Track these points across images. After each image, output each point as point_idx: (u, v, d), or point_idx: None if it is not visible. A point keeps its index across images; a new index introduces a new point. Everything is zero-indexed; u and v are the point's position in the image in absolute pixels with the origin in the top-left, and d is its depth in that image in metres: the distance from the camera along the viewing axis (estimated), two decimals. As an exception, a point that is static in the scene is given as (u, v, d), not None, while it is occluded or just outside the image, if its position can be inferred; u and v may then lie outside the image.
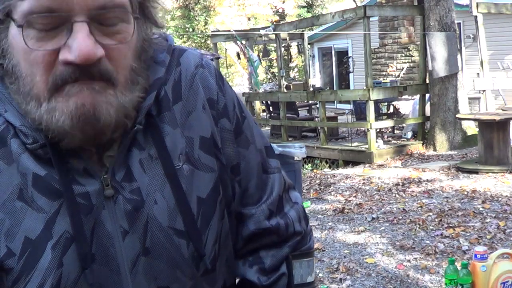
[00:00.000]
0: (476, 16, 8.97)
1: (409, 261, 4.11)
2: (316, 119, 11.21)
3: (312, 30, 16.76)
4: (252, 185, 0.86)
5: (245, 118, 0.87)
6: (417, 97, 9.90)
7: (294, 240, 0.89)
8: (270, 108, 12.26)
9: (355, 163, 8.94)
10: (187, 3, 22.60)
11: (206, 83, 0.82)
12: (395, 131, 10.57)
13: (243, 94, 12.65)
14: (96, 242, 0.73)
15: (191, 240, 0.76)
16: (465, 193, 5.89)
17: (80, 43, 0.65)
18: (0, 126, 0.72)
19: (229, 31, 13.38)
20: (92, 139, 0.71)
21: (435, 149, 8.94)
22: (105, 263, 0.73)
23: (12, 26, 0.68)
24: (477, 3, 8.97)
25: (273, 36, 12.24)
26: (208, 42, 19.41)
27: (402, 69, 12.93)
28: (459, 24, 10.90)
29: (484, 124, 6.95)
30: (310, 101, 11.84)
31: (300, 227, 0.90)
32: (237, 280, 0.91)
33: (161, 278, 0.76)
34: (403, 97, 9.98)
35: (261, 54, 15.65)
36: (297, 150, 6.09)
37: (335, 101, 13.67)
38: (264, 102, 13.09)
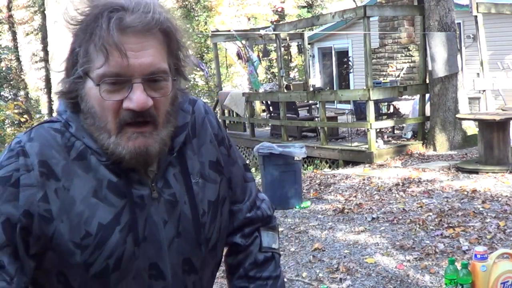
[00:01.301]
0: (476, 16, 8.97)
1: (409, 261, 4.11)
2: (316, 119, 11.21)
3: (312, 30, 16.75)
4: (238, 190, 1.27)
5: (231, 146, 1.26)
6: (417, 97, 9.90)
7: (266, 220, 1.31)
8: (270, 108, 12.26)
9: (355, 163, 8.94)
10: (187, 3, 22.59)
11: (212, 123, 1.21)
12: (395, 131, 10.57)
13: (243, 94, 12.64)
14: (147, 228, 1.07)
15: (197, 229, 1.12)
16: (465, 193, 5.89)
17: (138, 97, 0.99)
18: (80, 147, 1.05)
19: (229, 31, 13.37)
20: (141, 165, 1.06)
21: (435, 149, 8.94)
22: (153, 242, 1.07)
23: (88, 80, 1.01)
24: (477, 3, 8.96)
25: (273, 36, 12.24)
26: (208, 42, 19.39)
27: (402, 69, 12.92)
28: (459, 24, 10.90)
29: (484, 124, 6.95)
30: (310, 101, 11.84)
31: (269, 212, 1.33)
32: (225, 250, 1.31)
33: (186, 253, 1.12)
34: (403, 97, 9.97)
35: (261, 54, 15.64)
36: (297, 150, 6.09)
37: (335, 101, 13.67)
38: (264, 102, 13.09)
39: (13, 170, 1.00)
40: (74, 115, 1.06)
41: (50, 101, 19.45)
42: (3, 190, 0.99)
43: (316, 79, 16.88)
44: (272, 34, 11.69)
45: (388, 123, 9.84)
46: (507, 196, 5.58)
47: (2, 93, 17.63)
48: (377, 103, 9.76)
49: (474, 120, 7.74)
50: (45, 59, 18.81)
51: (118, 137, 1.01)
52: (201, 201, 1.14)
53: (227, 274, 1.32)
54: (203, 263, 1.16)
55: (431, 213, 5.23)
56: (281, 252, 4.00)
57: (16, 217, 0.98)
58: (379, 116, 10.03)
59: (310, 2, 24.22)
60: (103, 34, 0.97)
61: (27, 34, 22.10)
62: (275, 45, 14.04)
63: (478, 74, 9.67)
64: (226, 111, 13.34)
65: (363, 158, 8.90)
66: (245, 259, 1.28)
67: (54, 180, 1.01)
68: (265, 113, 13.49)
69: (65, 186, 1.02)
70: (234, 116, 13.08)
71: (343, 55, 15.61)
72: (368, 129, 8.77)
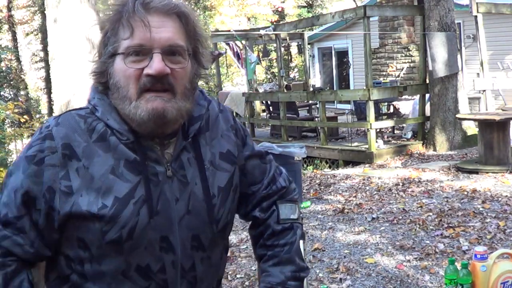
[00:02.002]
0: (476, 16, 8.97)
1: (409, 261, 4.11)
2: (316, 119, 11.20)
3: (312, 30, 16.74)
4: (256, 172, 1.39)
5: (247, 136, 1.40)
6: (417, 97, 9.90)
7: (281, 192, 1.42)
8: (270, 108, 12.26)
9: (355, 163, 8.94)
10: (187, 3, 22.57)
11: (227, 118, 1.35)
12: (395, 131, 10.57)
13: (243, 94, 12.64)
14: (160, 203, 1.18)
15: (208, 209, 1.23)
16: (465, 193, 5.89)
17: (156, 63, 1.13)
18: (101, 129, 1.18)
19: (229, 31, 13.37)
20: (160, 128, 1.17)
21: (435, 149, 8.94)
22: (165, 217, 1.18)
23: (117, 58, 1.16)
24: (477, 3, 8.97)
25: (273, 36, 12.24)
26: (208, 42, 19.35)
27: (402, 69, 12.92)
28: (459, 24, 10.90)
29: (484, 124, 6.95)
30: (310, 101, 11.84)
31: (285, 183, 1.43)
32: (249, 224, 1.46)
33: (195, 229, 1.22)
34: (403, 97, 9.97)
35: (261, 54, 15.64)
36: (297, 150, 6.09)
37: (335, 101, 13.66)
38: (264, 102, 13.09)
39: (38, 150, 1.15)
40: (101, 100, 1.20)
41: (50, 101, 19.41)
42: (27, 166, 1.15)
43: (316, 79, 16.88)
44: (272, 34, 11.69)
45: (388, 123, 9.83)
46: (507, 196, 5.58)
47: (2, 93, 17.62)
48: (377, 103, 9.76)
49: (474, 120, 7.74)
50: (45, 59, 18.80)
51: (138, 101, 1.14)
52: (211, 185, 1.24)
53: (252, 244, 1.45)
54: (212, 242, 1.25)
55: (431, 213, 5.23)
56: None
57: (35, 192, 1.14)
58: (379, 116, 10.02)
59: (310, 2, 24.21)
60: (130, 12, 1.13)
61: (27, 34, 22.10)
62: (275, 45, 14.03)
63: (478, 74, 9.67)
64: (226, 111, 13.31)
65: (363, 158, 8.90)
66: (264, 230, 1.39)
67: (76, 160, 1.15)
68: (265, 113, 13.48)
69: (85, 165, 1.15)
70: (234, 116, 13.05)
71: (343, 55, 15.61)
72: (368, 129, 8.77)
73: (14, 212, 1.15)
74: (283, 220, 1.39)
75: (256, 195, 1.39)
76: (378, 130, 9.27)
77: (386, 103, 10.66)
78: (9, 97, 18.63)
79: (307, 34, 13.67)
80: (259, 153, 1.41)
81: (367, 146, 8.95)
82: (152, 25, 1.13)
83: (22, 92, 20.14)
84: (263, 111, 13.95)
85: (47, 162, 1.14)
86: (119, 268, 1.17)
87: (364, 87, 9.49)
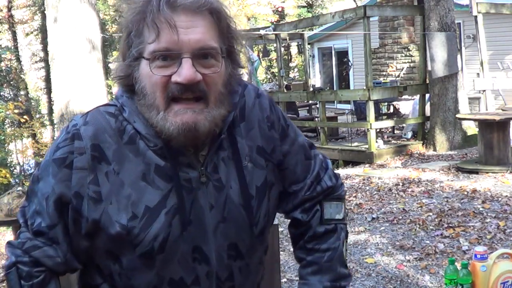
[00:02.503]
0: (476, 16, 8.97)
1: (409, 261, 4.11)
2: (316, 119, 11.20)
3: (312, 30, 16.74)
4: (298, 169, 1.24)
5: (289, 125, 1.25)
6: (417, 97, 9.89)
7: (326, 192, 1.27)
8: (270, 108, 12.24)
9: (355, 163, 8.93)
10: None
11: (264, 106, 1.20)
12: (395, 131, 10.57)
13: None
14: (193, 212, 1.09)
15: (247, 213, 1.12)
16: (465, 193, 5.89)
17: (186, 70, 1.01)
18: (131, 131, 1.08)
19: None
20: (191, 142, 1.07)
21: (435, 149, 8.94)
22: (198, 226, 1.09)
23: (142, 61, 1.05)
24: (477, 3, 8.96)
25: (273, 36, 12.23)
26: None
27: (402, 69, 12.92)
28: (459, 24, 10.90)
29: (484, 124, 6.94)
30: (310, 101, 11.84)
31: (331, 182, 1.28)
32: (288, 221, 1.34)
33: (231, 237, 1.13)
34: (403, 97, 9.97)
35: (261, 54, 15.63)
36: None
37: (335, 101, 13.66)
38: (264, 102, 13.06)
39: (68, 152, 1.06)
40: (129, 100, 1.10)
41: (50, 101, 19.41)
42: (58, 170, 1.06)
43: (316, 79, 16.87)
44: (272, 34, 11.68)
45: (388, 123, 9.83)
46: (507, 196, 5.58)
47: (2, 93, 17.62)
48: (377, 103, 9.76)
49: (474, 120, 7.73)
50: (45, 59, 18.80)
51: (166, 112, 1.04)
52: (249, 185, 1.14)
53: (292, 243, 1.34)
54: (250, 248, 1.17)
55: (431, 213, 5.23)
56: (281, 252, 4.00)
57: (68, 197, 1.05)
58: (379, 116, 10.02)
59: (310, 2, 24.20)
60: (155, 12, 1.02)
61: (27, 34, 22.10)
62: (275, 45, 14.02)
63: (478, 74, 9.66)
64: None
65: (363, 158, 8.90)
66: (305, 232, 1.28)
67: (105, 164, 1.06)
68: (265, 113, 13.45)
69: (115, 170, 1.06)
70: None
71: (343, 55, 15.60)
72: (368, 129, 8.77)
73: (47, 220, 1.07)
74: (326, 220, 1.26)
75: (298, 195, 1.26)
76: (378, 130, 9.27)
77: (386, 103, 10.66)
78: (9, 97, 18.62)
79: (307, 34, 13.66)
80: (302, 147, 1.26)
81: (367, 146, 8.95)
82: (179, 26, 1.01)
83: (22, 92, 20.14)
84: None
85: (75, 165, 1.05)
86: (151, 282, 1.10)
87: (364, 87, 9.49)
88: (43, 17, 17.66)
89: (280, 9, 23.68)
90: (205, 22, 1.04)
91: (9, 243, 1.11)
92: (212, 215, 1.10)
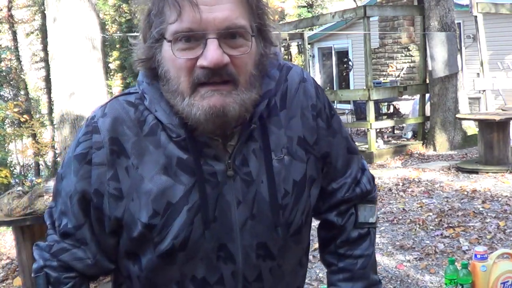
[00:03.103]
0: (476, 16, 8.97)
1: (409, 261, 4.11)
2: (316, 119, 11.19)
3: (312, 30, 16.73)
4: (339, 164, 1.15)
5: (333, 115, 1.14)
6: (417, 97, 9.90)
7: (364, 196, 1.19)
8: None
9: (355, 163, 8.93)
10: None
11: (309, 93, 1.09)
12: (395, 131, 10.57)
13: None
14: (218, 208, 1.00)
15: (272, 212, 1.02)
16: (465, 193, 5.89)
17: (212, 53, 0.91)
18: (152, 122, 1.00)
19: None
20: (219, 129, 0.97)
21: (435, 149, 8.94)
22: (223, 223, 1.01)
23: (164, 43, 0.95)
24: (477, 3, 8.96)
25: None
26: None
27: (402, 69, 12.92)
28: (459, 24, 10.90)
29: (484, 124, 6.94)
30: (310, 101, 11.82)
31: (370, 186, 1.21)
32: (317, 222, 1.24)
33: (261, 236, 1.03)
34: (403, 97, 9.97)
35: (261, 54, 15.60)
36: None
37: (335, 101, 13.65)
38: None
39: (88, 147, 1.00)
40: (150, 86, 1.02)
41: (50, 101, 19.43)
42: (79, 167, 1.00)
43: (316, 79, 16.83)
44: (275, 35, 11.66)
45: (388, 123, 9.83)
46: (507, 196, 5.58)
47: (2, 93, 17.63)
48: (377, 103, 9.76)
49: (474, 120, 7.74)
50: (45, 59, 18.81)
51: (191, 98, 0.95)
52: (284, 180, 1.04)
53: (319, 246, 1.25)
54: (283, 248, 1.07)
55: (431, 213, 5.23)
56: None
57: (90, 195, 1.00)
58: (379, 116, 10.03)
59: (310, 2, 24.21)
60: None
61: (28, 35, 22.10)
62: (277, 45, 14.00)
63: (478, 74, 9.67)
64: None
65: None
66: (337, 236, 1.19)
67: (125, 158, 0.99)
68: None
69: (134, 164, 0.99)
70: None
71: (343, 55, 15.60)
72: (368, 129, 8.77)
73: (73, 221, 1.02)
74: (360, 224, 1.19)
75: (336, 195, 1.17)
76: (378, 130, 9.27)
77: (386, 103, 10.66)
78: (9, 97, 18.63)
79: (307, 34, 13.65)
80: (345, 139, 1.16)
81: (367, 146, 8.95)
82: (203, 3, 0.91)
83: (22, 92, 20.15)
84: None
85: (94, 161, 0.99)
86: (173, 278, 1.04)
87: (364, 87, 9.49)
88: (43, 17, 17.67)
89: (280, 9, 23.69)
90: None
91: (36, 245, 1.07)
92: (239, 211, 1.01)
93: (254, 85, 0.98)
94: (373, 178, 1.24)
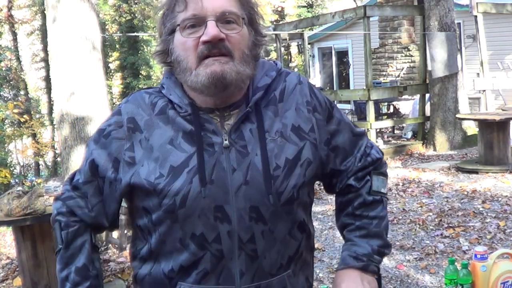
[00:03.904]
0: (476, 16, 8.97)
1: (409, 261, 4.11)
2: (316, 119, 11.18)
3: (312, 30, 16.74)
4: (347, 145, 1.35)
5: (334, 107, 1.36)
6: (417, 97, 9.90)
7: (376, 164, 1.38)
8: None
9: (355, 163, 8.93)
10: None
11: (303, 92, 1.31)
12: (395, 131, 10.57)
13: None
14: (215, 173, 1.18)
15: (266, 180, 1.19)
16: (465, 193, 5.89)
17: (210, 30, 1.15)
18: (162, 104, 1.25)
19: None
20: (221, 94, 1.20)
21: (435, 149, 8.94)
22: (220, 186, 1.18)
23: (176, 33, 1.21)
24: (477, 3, 8.97)
25: (273, 36, 12.23)
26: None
27: (402, 69, 12.92)
28: (459, 24, 10.90)
29: (484, 124, 6.94)
30: (310, 101, 11.82)
31: (379, 155, 1.40)
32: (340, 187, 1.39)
33: (253, 200, 1.19)
34: (403, 97, 9.97)
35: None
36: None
37: (335, 101, 13.63)
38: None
39: (107, 125, 1.27)
40: (168, 79, 1.27)
41: (50, 101, 19.42)
42: (98, 138, 1.27)
43: (316, 79, 16.87)
44: (272, 34, 11.68)
45: (388, 123, 9.83)
46: (507, 196, 5.58)
47: (2, 93, 17.62)
48: (377, 103, 9.76)
49: (474, 120, 7.74)
50: (45, 59, 18.80)
51: (197, 69, 1.18)
52: (276, 156, 1.22)
53: (337, 211, 1.42)
54: (274, 215, 1.21)
55: (431, 213, 5.23)
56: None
57: (102, 161, 1.25)
58: (379, 116, 10.03)
59: (310, 2, 24.20)
60: None
61: (28, 35, 22.10)
62: (275, 45, 14.02)
63: (478, 74, 9.67)
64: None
65: (363, 158, 8.89)
66: (354, 199, 1.36)
67: (139, 133, 1.23)
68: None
69: (146, 137, 1.22)
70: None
71: (343, 55, 15.60)
72: (368, 129, 8.77)
73: (83, 178, 1.28)
74: (374, 192, 1.36)
75: (351, 168, 1.36)
76: (378, 130, 9.27)
77: (386, 103, 10.66)
78: (9, 97, 18.62)
79: (307, 34, 13.66)
80: (348, 124, 1.37)
81: (367, 146, 8.94)
82: None
83: (22, 92, 20.14)
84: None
85: (113, 135, 1.25)
86: (176, 236, 1.20)
87: (364, 87, 9.49)
88: (43, 17, 17.66)
89: (280, 9, 23.69)
90: None
91: (55, 198, 1.34)
92: (234, 177, 1.19)
93: (248, 62, 1.21)
94: (381, 152, 1.43)
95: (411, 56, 12.71)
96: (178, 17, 1.20)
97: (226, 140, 1.20)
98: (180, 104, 1.23)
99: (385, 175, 1.41)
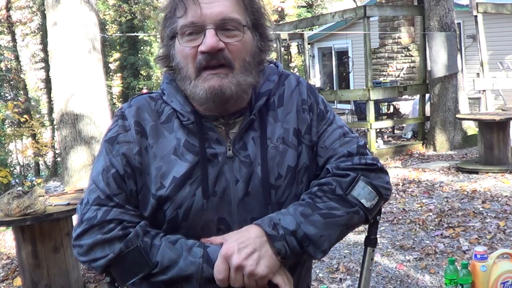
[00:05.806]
0: (476, 16, 8.97)
1: (409, 261, 4.11)
2: (316, 119, 11.19)
3: (312, 30, 16.73)
4: (336, 145, 1.26)
5: (328, 110, 1.31)
6: (417, 97, 9.89)
7: (368, 168, 1.22)
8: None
9: (355, 163, 8.92)
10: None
11: (301, 91, 1.28)
12: (395, 131, 10.57)
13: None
14: (218, 184, 1.16)
15: (264, 191, 1.16)
16: (465, 193, 5.89)
17: (209, 40, 1.11)
18: (168, 112, 1.21)
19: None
20: (221, 108, 1.16)
21: (435, 149, 8.94)
22: (222, 197, 1.16)
23: (176, 40, 1.16)
24: (477, 3, 8.96)
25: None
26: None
27: (402, 69, 12.92)
28: (459, 24, 10.90)
29: (484, 124, 6.94)
30: (310, 101, 11.82)
31: (373, 161, 1.24)
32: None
33: (254, 212, 1.17)
34: (403, 97, 9.97)
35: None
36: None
37: (335, 101, 13.66)
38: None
39: (116, 131, 1.21)
40: (169, 84, 1.23)
41: (50, 101, 19.42)
42: (112, 147, 1.20)
43: (316, 79, 16.87)
44: (272, 34, 11.68)
45: (388, 123, 9.83)
46: (507, 196, 5.58)
47: (1, 93, 17.62)
48: (377, 103, 9.76)
49: (474, 120, 7.74)
50: (45, 59, 18.80)
51: (196, 80, 1.14)
52: (279, 164, 1.19)
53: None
54: None
55: (431, 213, 5.23)
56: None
57: (122, 169, 1.18)
58: (379, 116, 10.03)
59: (310, 2, 24.20)
60: None
61: (28, 35, 22.09)
62: (275, 45, 14.02)
63: (478, 74, 9.66)
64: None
65: (363, 158, 8.89)
66: (324, 184, 1.19)
67: (145, 138, 1.19)
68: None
69: (151, 144, 1.18)
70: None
71: (343, 55, 15.60)
72: (368, 129, 8.77)
73: (108, 191, 1.16)
74: (352, 196, 1.18)
75: (333, 158, 1.24)
76: (378, 130, 9.27)
77: (386, 103, 10.65)
78: (9, 97, 18.62)
79: (307, 34, 13.66)
80: (340, 127, 1.29)
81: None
82: (203, 1, 1.12)
83: (22, 92, 20.13)
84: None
85: (121, 139, 1.19)
86: None
87: (364, 87, 9.49)
88: (43, 17, 17.66)
89: (280, 9, 23.68)
90: None
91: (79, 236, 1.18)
92: (237, 188, 1.16)
93: (249, 71, 1.17)
94: (376, 159, 1.27)
95: (411, 56, 12.70)
96: (178, 23, 1.16)
97: (230, 150, 1.17)
98: (182, 112, 1.19)
99: (376, 188, 1.20)
